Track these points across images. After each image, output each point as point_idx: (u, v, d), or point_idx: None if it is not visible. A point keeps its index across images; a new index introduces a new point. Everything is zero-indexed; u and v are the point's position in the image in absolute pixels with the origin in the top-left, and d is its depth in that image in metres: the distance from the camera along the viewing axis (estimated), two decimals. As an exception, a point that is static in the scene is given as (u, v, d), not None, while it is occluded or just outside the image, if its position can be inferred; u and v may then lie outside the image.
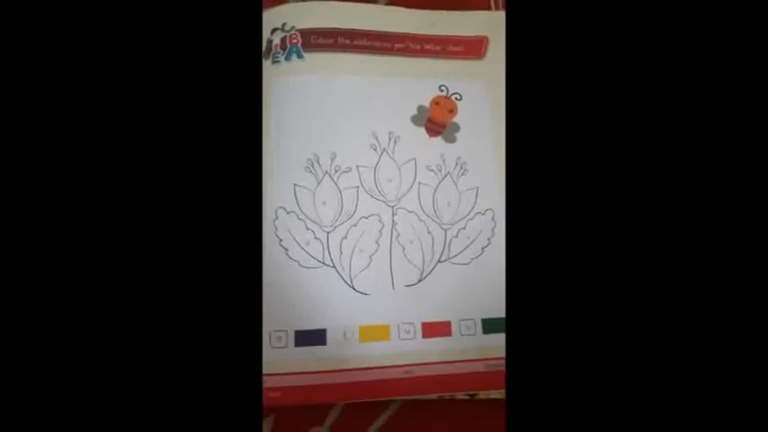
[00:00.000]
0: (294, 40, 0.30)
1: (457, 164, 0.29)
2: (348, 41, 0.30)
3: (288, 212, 0.27)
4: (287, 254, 0.26)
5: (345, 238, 0.27)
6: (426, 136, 0.29)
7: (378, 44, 0.30)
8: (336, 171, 0.28)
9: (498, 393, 0.26)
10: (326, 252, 0.27)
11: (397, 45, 0.31)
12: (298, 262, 0.26)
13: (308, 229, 0.27)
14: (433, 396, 0.26)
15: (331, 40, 0.30)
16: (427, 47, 0.31)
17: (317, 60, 0.29)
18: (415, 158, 0.29)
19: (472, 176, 0.29)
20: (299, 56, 0.29)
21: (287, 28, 0.30)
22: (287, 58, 0.29)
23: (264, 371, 0.24)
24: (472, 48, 0.31)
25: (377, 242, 0.27)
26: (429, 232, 0.28)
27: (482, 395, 0.26)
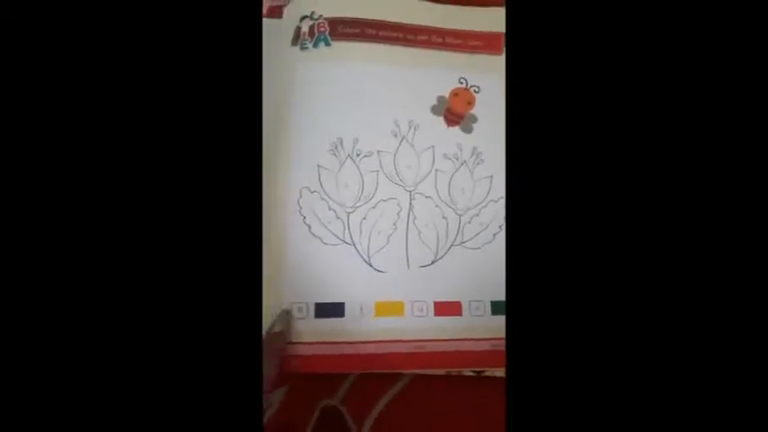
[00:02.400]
0: (322, 29, 0.31)
1: (473, 153, 0.30)
2: (374, 32, 0.31)
3: (312, 192, 0.28)
4: (310, 231, 0.28)
5: (365, 218, 0.28)
6: (445, 125, 0.31)
7: (402, 35, 0.32)
8: (358, 155, 0.29)
9: (503, 371, 0.27)
10: (347, 231, 0.28)
11: (420, 37, 0.32)
12: (320, 239, 0.28)
13: (330, 208, 0.28)
14: (442, 371, 0.27)
15: (357, 30, 0.31)
16: (448, 40, 0.32)
17: (344, 49, 0.31)
18: (433, 146, 0.30)
19: (487, 166, 0.30)
20: (327, 44, 0.31)
21: (315, 16, 0.31)
22: (315, 46, 0.31)
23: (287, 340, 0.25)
24: (491, 43, 0.32)
25: (394, 224, 0.28)
26: (444, 217, 0.29)
27: (488, 372, 0.27)
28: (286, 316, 0.26)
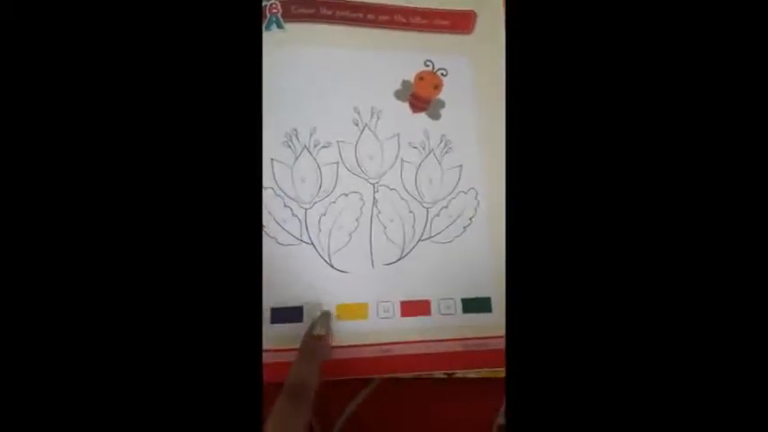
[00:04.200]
0: (274, 10, 0.28)
1: (441, 141, 0.28)
2: (330, 12, 0.29)
3: (264, 188, 0.26)
4: (264, 231, 0.26)
5: (324, 215, 0.26)
6: (410, 111, 0.28)
7: (361, 16, 0.29)
8: (316, 146, 0.27)
9: (475, 373, 0.26)
10: (305, 229, 0.26)
11: (381, 17, 0.30)
12: (275, 239, 0.26)
13: (285, 206, 0.26)
14: (411, 375, 0.25)
15: (312, 11, 0.29)
16: (413, 20, 0.30)
17: (298, 31, 0.28)
18: (398, 134, 0.28)
19: (456, 154, 0.28)
20: (279, 26, 0.28)
21: (267, -4, 0.29)
22: (267, 28, 0.28)
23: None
24: (460, 22, 0.30)
25: (357, 220, 0.27)
26: (410, 211, 0.27)
27: (460, 374, 0.26)
28: (326, 318, 0.24)
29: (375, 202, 0.27)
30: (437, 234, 0.27)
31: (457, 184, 0.28)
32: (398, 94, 0.29)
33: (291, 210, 0.26)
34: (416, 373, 0.25)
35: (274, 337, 0.24)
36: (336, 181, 0.27)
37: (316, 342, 0.23)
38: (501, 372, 0.26)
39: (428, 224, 0.27)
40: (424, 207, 0.27)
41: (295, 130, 0.27)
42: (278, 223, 0.26)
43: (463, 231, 0.27)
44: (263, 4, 0.29)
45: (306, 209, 0.26)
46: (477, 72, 0.30)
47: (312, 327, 0.24)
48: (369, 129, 0.28)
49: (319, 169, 0.27)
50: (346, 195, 0.27)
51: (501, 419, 0.26)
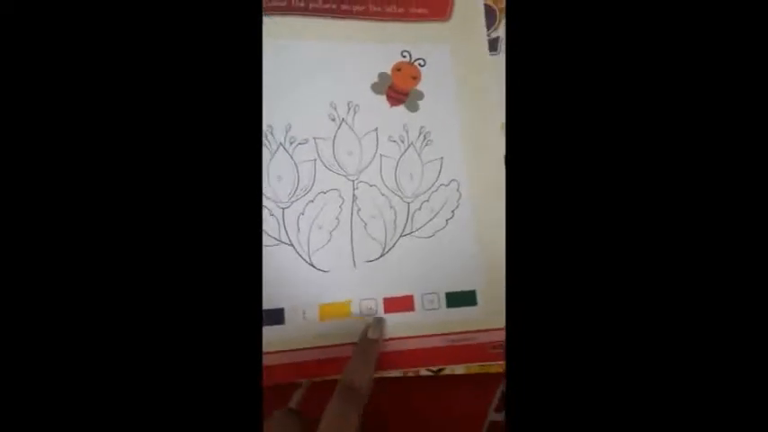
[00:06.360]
0: (244, 3, 0.28)
1: (420, 134, 0.28)
2: (303, 4, 0.28)
3: (241, 188, 0.26)
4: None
5: (303, 214, 0.26)
6: (388, 105, 0.28)
7: (335, 7, 0.28)
8: (292, 143, 0.26)
9: (464, 369, 0.25)
10: (283, 229, 0.26)
11: (356, 8, 0.29)
12: (253, 240, 0.25)
13: (262, 205, 0.26)
14: (398, 373, 0.25)
15: (285, 3, 0.28)
16: (389, 9, 0.29)
17: (271, 25, 0.28)
18: (376, 129, 0.27)
19: (436, 147, 0.28)
20: (250, 20, 0.27)
21: (236, -10, 0.28)
22: (237, 23, 0.27)
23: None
24: (436, 9, 0.29)
25: (336, 218, 0.26)
26: (391, 207, 0.27)
27: (447, 371, 0.25)
28: (380, 323, 0.25)
29: (355, 198, 0.26)
30: (419, 229, 0.27)
31: (438, 177, 0.27)
32: (375, 87, 0.28)
33: (269, 209, 0.26)
34: (403, 371, 0.25)
35: (256, 339, 0.24)
36: (314, 178, 0.26)
37: (370, 344, 0.23)
38: (490, 367, 0.25)
39: (409, 219, 0.27)
40: (404, 202, 0.27)
41: (270, 126, 0.26)
42: (255, 224, 0.25)
43: (446, 225, 0.27)
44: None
45: (283, 208, 0.26)
46: (455, 60, 0.29)
47: (366, 330, 0.24)
48: (346, 124, 0.27)
49: (296, 167, 0.26)
50: (325, 193, 0.26)
51: (492, 416, 0.26)
